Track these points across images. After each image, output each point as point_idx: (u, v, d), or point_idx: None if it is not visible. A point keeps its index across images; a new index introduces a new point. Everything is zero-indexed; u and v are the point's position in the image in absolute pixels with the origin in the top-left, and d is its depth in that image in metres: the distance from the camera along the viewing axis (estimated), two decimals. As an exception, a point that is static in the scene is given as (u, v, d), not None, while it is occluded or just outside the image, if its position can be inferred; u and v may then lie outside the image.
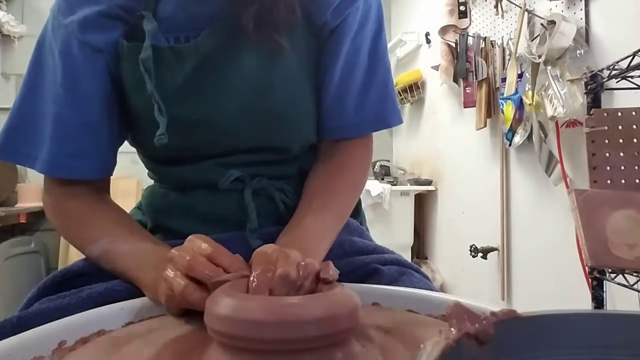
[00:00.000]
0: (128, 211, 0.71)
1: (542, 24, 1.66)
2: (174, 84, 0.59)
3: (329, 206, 0.64)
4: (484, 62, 2.17)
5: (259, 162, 0.66)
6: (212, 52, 0.59)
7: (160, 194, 0.69)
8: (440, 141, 2.76)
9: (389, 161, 3.30)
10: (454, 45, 2.38)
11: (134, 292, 0.52)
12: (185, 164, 0.65)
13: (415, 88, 2.94)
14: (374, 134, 0.73)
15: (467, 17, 2.37)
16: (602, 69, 1.24)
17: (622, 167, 1.02)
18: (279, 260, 0.40)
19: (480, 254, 2.16)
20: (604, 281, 1.22)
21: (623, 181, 1.01)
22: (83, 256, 0.61)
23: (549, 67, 1.62)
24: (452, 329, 0.22)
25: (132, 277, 0.54)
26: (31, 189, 2.69)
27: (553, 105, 1.58)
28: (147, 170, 0.72)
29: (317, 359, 0.33)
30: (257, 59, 0.61)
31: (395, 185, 2.90)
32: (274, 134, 0.64)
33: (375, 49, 0.68)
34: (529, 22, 1.81)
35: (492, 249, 2.15)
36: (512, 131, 1.91)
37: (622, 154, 1.02)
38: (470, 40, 2.27)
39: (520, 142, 1.90)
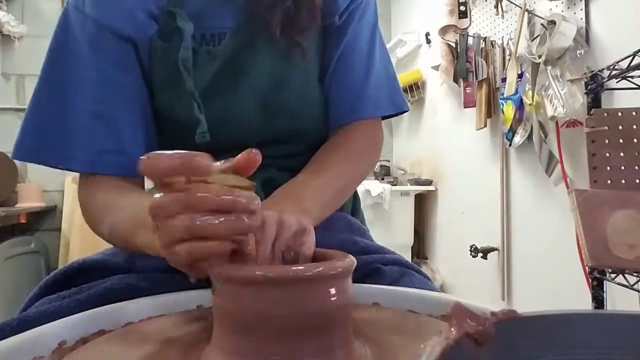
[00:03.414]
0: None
1: (542, 24, 1.66)
2: (202, 84, 0.60)
3: (322, 169, 0.65)
4: (484, 62, 2.16)
5: (269, 155, 0.66)
6: (236, 52, 0.61)
7: None
8: (440, 141, 2.76)
9: (389, 161, 3.30)
10: (454, 45, 2.38)
11: (134, 292, 0.52)
12: None
13: (415, 88, 2.95)
14: None
15: (467, 17, 2.36)
16: (602, 69, 1.24)
17: (622, 167, 1.02)
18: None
19: (480, 254, 2.15)
20: (604, 281, 1.22)
21: (623, 181, 1.01)
22: (83, 256, 0.60)
23: (549, 67, 1.62)
24: (452, 329, 0.22)
25: (136, 245, 0.50)
26: (31, 189, 2.69)
27: (553, 105, 1.58)
28: None
29: (318, 344, 0.34)
30: (273, 56, 0.63)
31: (395, 185, 2.90)
32: (287, 127, 0.66)
33: (373, 38, 0.72)
34: (529, 22, 1.81)
35: (492, 249, 2.15)
36: (512, 131, 1.91)
37: (622, 154, 1.02)
38: (470, 40, 2.27)
39: (520, 142, 1.90)
